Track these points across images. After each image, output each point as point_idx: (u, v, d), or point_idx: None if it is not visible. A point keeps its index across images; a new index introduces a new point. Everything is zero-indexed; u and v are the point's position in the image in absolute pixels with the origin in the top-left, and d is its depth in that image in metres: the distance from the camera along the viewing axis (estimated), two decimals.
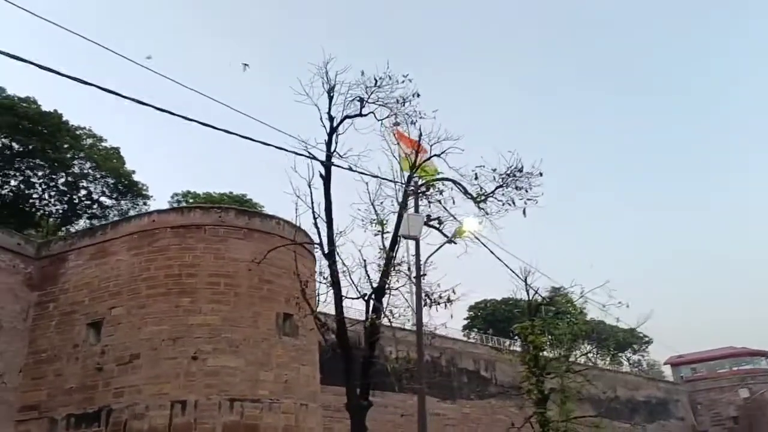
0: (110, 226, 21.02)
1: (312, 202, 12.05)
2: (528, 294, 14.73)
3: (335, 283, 11.90)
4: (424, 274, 11.82)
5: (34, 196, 27.61)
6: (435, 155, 12.61)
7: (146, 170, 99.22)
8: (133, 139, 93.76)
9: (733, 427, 55.77)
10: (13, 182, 26.84)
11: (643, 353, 61.29)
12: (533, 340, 14.24)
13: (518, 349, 47.73)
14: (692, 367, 62.16)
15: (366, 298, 11.91)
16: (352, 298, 12.52)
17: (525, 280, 14.14)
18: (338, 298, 11.97)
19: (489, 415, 39.55)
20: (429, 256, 11.95)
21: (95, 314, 19.63)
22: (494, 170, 12.31)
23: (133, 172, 29.23)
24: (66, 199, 27.89)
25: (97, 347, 19.17)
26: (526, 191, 12.13)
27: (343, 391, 31.84)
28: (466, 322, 53.61)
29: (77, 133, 27.15)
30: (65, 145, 26.33)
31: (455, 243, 11.89)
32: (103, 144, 28.43)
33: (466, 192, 12.37)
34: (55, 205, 28.08)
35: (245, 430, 18.14)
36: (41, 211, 27.54)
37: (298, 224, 16.26)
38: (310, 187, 11.85)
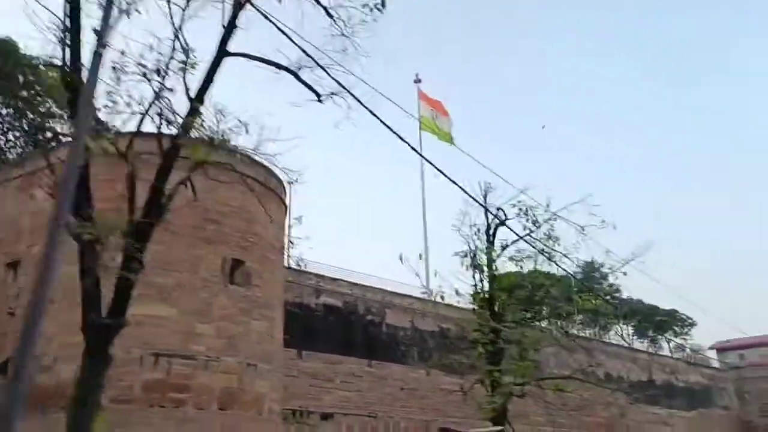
0: (28, 158, 18.51)
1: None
2: (487, 217, 11.31)
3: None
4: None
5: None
6: None
7: None
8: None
9: None
10: None
11: (685, 336, 56.52)
12: (479, 267, 10.80)
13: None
14: (740, 353, 57.03)
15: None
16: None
17: (483, 198, 10.66)
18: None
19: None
20: None
21: (14, 254, 17.16)
22: None
23: (98, 110, 26.46)
24: (32, 141, 25.70)
25: (14, 290, 16.71)
26: None
27: (336, 359, 28.81)
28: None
29: (35, 63, 24.84)
30: (23, 79, 24.10)
31: (321, 101, 8.16)
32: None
33: None
34: (22, 147, 25.94)
35: (172, 389, 15.37)
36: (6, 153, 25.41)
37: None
38: None
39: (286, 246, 26.37)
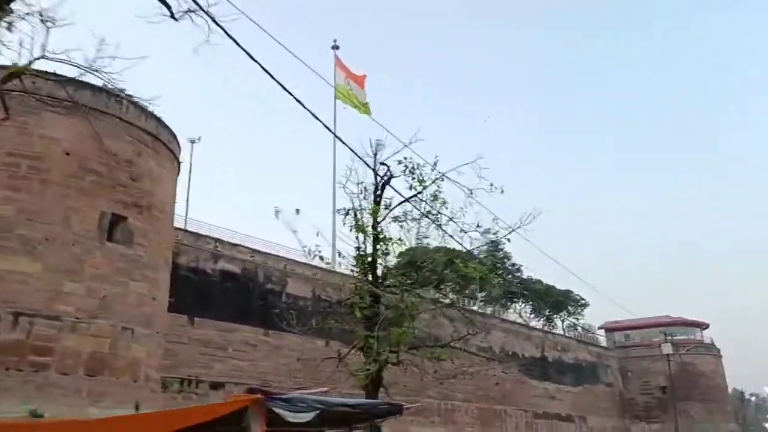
0: None
1: None
2: (376, 177, 10.75)
3: None
4: None
5: None
6: None
7: None
8: None
9: (661, 397, 54.45)
10: None
11: (578, 316, 59.22)
12: (360, 228, 10.26)
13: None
14: (626, 333, 60.53)
15: None
16: None
17: (374, 156, 10.09)
18: None
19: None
20: None
21: None
22: None
23: None
24: None
25: None
26: None
27: (230, 327, 27.72)
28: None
29: None
30: None
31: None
32: None
33: None
34: None
35: (33, 352, 14.02)
36: None
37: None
38: None
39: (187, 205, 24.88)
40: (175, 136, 19.40)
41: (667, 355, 42.38)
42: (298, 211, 9.36)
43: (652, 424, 54.60)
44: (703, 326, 60.73)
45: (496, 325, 43.89)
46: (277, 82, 6.66)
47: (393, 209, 10.64)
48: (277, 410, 4.24)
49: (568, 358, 49.97)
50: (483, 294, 51.29)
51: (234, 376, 27.48)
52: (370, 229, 10.27)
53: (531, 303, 53.98)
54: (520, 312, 54.68)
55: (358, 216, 10.48)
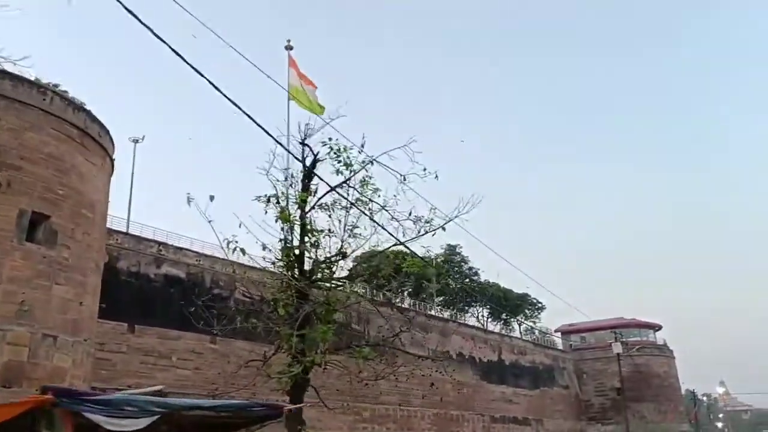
0: None
1: None
2: (304, 163, 10.00)
3: None
4: None
5: None
6: None
7: None
8: None
9: (616, 398, 54.91)
10: None
11: (535, 319, 59.43)
12: (285, 216, 9.52)
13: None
14: (581, 336, 61.02)
15: None
16: None
17: (303, 142, 9.36)
18: None
19: None
20: None
21: None
22: None
23: None
24: None
25: None
26: None
27: (174, 334, 26.51)
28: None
29: None
30: None
31: None
32: None
33: None
34: None
35: None
36: None
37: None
38: None
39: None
40: (107, 132, 18.25)
41: (618, 354, 42.70)
42: (212, 197, 8.60)
43: (607, 425, 55.02)
44: (656, 328, 61.67)
45: (455, 329, 43.60)
46: (186, 62, 5.88)
47: (322, 197, 9.95)
48: (88, 415, 3.47)
49: (525, 361, 49.95)
50: (441, 299, 50.89)
51: (178, 386, 26.26)
52: (297, 218, 9.50)
53: (488, 306, 53.85)
54: (477, 316, 54.54)
55: (282, 204, 9.73)
